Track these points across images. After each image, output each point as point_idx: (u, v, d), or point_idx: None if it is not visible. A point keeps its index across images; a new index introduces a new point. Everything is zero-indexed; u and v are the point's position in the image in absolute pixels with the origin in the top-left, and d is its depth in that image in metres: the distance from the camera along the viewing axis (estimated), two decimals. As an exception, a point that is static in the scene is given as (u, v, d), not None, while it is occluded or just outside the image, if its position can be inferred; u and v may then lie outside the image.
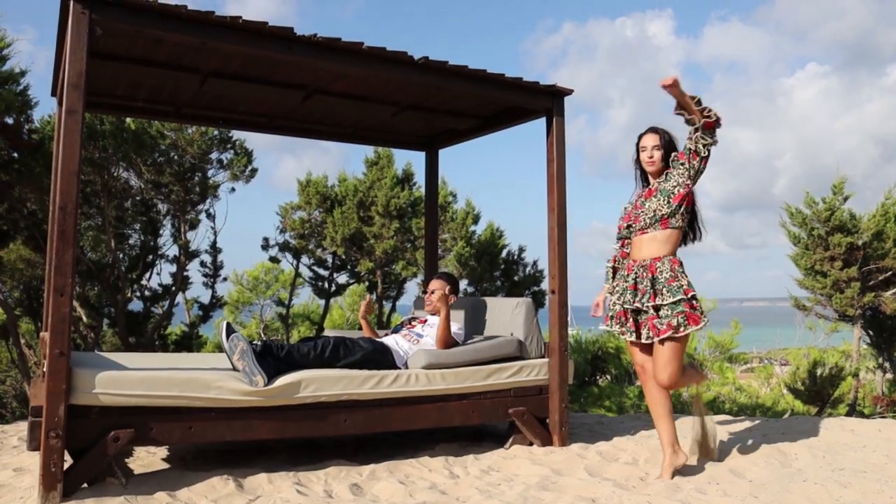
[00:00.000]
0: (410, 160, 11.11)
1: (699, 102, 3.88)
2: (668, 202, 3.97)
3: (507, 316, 5.29)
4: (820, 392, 10.19)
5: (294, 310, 12.89)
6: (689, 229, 4.15)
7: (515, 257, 11.33)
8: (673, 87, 3.81)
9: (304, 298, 13.87)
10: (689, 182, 3.96)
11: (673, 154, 4.05)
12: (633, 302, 3.99)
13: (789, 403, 10.48)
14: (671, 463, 4.03)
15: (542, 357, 5.13)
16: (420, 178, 11.28)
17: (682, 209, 3.99)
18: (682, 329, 3.83)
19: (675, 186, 3.98)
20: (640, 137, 4.15)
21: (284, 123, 5.98)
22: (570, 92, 4.98)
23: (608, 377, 11.38)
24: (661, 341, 3.88)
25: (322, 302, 11.72)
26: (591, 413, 7.52)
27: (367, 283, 11.16)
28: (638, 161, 4.18)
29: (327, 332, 5.38)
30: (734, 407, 10.18)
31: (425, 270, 6.75)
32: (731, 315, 12.67)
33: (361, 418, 4.24)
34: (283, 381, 4.03)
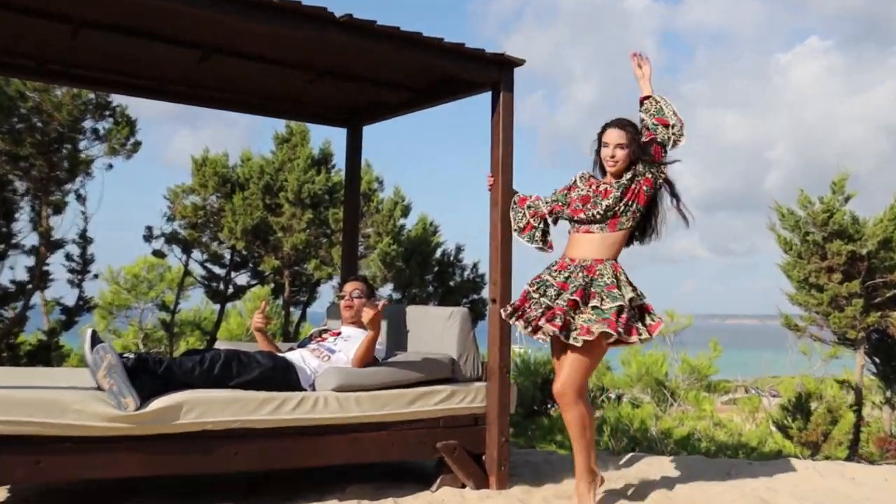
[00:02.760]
0: (329, 138, 11.14)
1: (660, 110, 4.37)
2: (622, 199, 4.29)
3: (437, 329, 5.32)
4: (814, 430, 10.31)
5: (182, 316, 12.74)
6: (639, 228, 4.48)
7: (451, 258, 11.40)
8: (641, 66, 4.13)
9: (195, 302, 13.72)
10: (649, 180, 4.33)
11: (640, 155, 4.33)
12: (555, 299, 4.28)
13: (778, 443, 10.66)
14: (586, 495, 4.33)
15: (480, 380, 5.18)
16: (340, 159, 11.30)
17: (634, 207, 4.32)
18: (594, 334, 4.10)
19: (631, 181, 4.28)
20: (603, 129, 4.44)
21: (177, 88, 5.94)
22: (521, 62, 5.06)
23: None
24: (574, 347, 4.19)
25: (217, 307, 11.61)
26: (538, 449, 7.58)
27: (272, 286, 11.11)
28: (598, 154, 4.45)
29: (220, 345, 5.36)
30: (711, 446, 10.35)
31: (342, 271, 6.76)
32: (710, 334, 12.86)
33: (256, 452, 4.24)
34: (159, 403, 4.01)
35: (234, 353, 4.49)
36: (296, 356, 4.83)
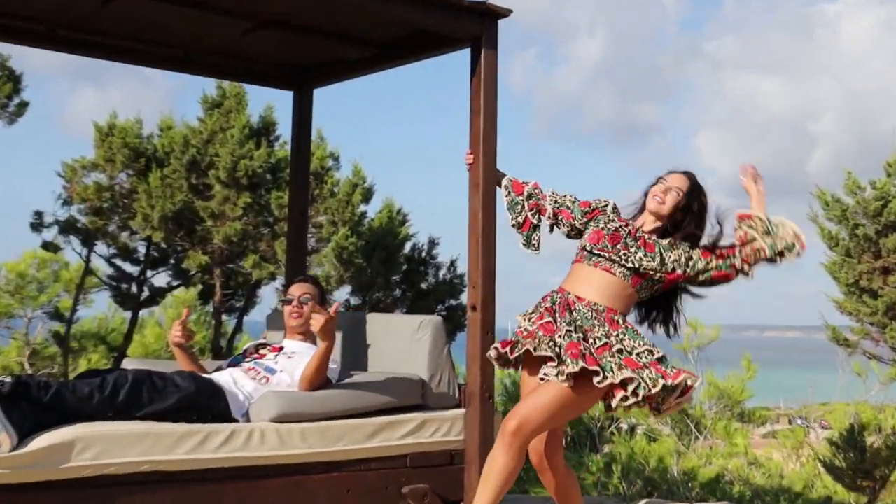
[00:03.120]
0: (272, 102, 11.12)
1: (768, 231, 4.32)
2: (660, 269, 4.31)
3: (405, 342, 5.33)
4: (870, 472, 10.30)
5: (81, 327, 12.66)
6: (650, 311, 4.55)
7: (424, 255, 11.44)
8: (756, 182, 4.39)
9: (100, 309, 13.62)
10: (683, 271, 4.35)
11: (691, 228, 4.39)
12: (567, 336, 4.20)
13: (827, 487, 10.70)
14: None
15: (457, 407, 5.20)
16: (285, 130, 11.24)
17: (656, 285, 4.35)
18: (569, 368, 4.00)
19: (674, 262, 4.33)
20: (667, 173, 4.50)
21: (76, 36, 5.89)
22: (507, 13, 5.07)
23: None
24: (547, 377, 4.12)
25: (127, 315, 11.55)
26: (533, 495, 7.60)
27: (198, 288, 11.07)
28: (647, 191, 4.50)
29: (129, 364, 5.31)
30: (746, 490, 10.36)
31: (288, 270, 6.78)
32: (743, 350, 12.83)
33: (171, 501, 4.21)
34: (43, 441, 3.95)
35: (145, 375, 4.45)
36: (225, 378, 4.80)
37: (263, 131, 10.91)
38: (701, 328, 12.20)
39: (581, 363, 3.99)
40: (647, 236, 4.38)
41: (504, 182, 4.93)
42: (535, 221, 4.78)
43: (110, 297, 11.23)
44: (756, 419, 12.60)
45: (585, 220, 4.60)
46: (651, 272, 4.29)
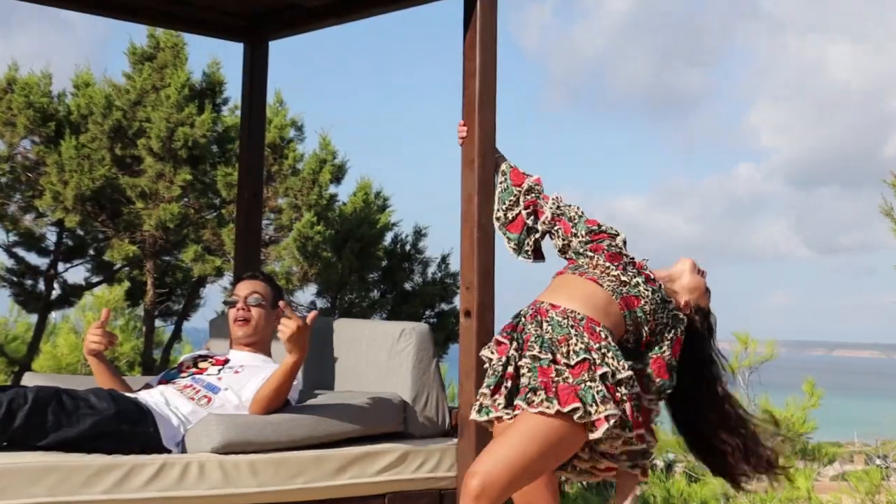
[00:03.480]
0: (217, 56, 11.16)
1: None
2: (664, 306, 4.41)
3: (383, 355, 5.37)
4: None
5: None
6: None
7: (408, 248, 11.49)
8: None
9: (-3, 311, 13.61)
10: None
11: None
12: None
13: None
14: None
15: (447, 435, 5.26)
16: (234, 90, 11.25)
17: (642, 326, 4.36)
18: (540, 404, 3.94)
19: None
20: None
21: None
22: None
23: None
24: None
25: (33, 319, 11.54)
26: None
27: (125, 286, 11.07)
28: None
29: (32, 380, 5.31)
30: (809, 542, 10.41)
31: (238, 264, 6.82)
32: (805, 372, 12.88)
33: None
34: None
35: (51, 393, 4.42)
36: (155, 397, 4.80)
37: (207, 92, 10.92)
38: (752, 344, 12.19)
39: (555, 403, 3.89)
40: (653, 276, 4.47)
41: (503, 167, 5.01)
42: (528, 223, 4.85)
43: (10, 296, 11.18)
44: (822, 457, 12.60)
45: (588, 239, 4.59)
46: (644, 301, 4.31)
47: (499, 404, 4.07)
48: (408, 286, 11.33)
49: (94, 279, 11.28)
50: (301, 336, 4.69)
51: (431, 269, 11.50)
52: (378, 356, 5.38)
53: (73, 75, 10.95)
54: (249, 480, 4.56)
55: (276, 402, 4.82)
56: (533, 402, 3.91)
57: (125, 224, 10.49)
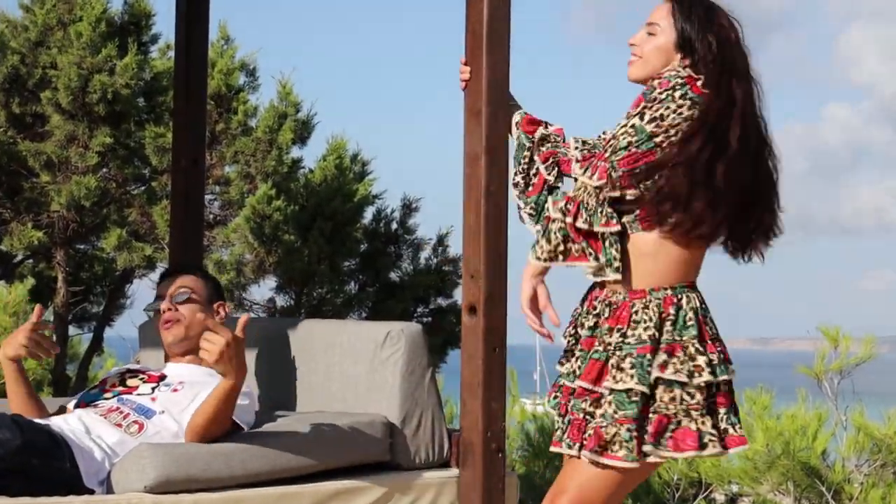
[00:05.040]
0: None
1: None
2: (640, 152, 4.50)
3: (362, 365, 5.41)
4: None
5: None
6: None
7: (396, 226, 11.62)
8: None
9: None
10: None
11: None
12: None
13: None
14: None
15: (445, 466, 5.32)
16: (166, 26, 11.37)
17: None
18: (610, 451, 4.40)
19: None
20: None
21: None
22: None
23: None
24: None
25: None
26: None
27: (30, 283, 10.99)
28: None
29: None
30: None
31: (174, 252, 6.99)
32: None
33: None
34: None
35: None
36: (72, 424, 4.81)
37: (130, 27, 10.95)
38: (844, 341, 12.24)
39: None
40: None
41: (515, 118, 5.08)
42: (551, 180, 4.95)
43: None
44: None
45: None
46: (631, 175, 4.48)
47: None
48: (394, 276, 11.46)
49: (-12, 274, 11.35)
50: (234, 352, 4.65)
51: (425, 254, 11.65)
52: (357, 367, 5.40)
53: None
54: (191, 530, 4.59)
55: (216, 431, 4.83)
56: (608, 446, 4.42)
57: (27, 203, 10.60)
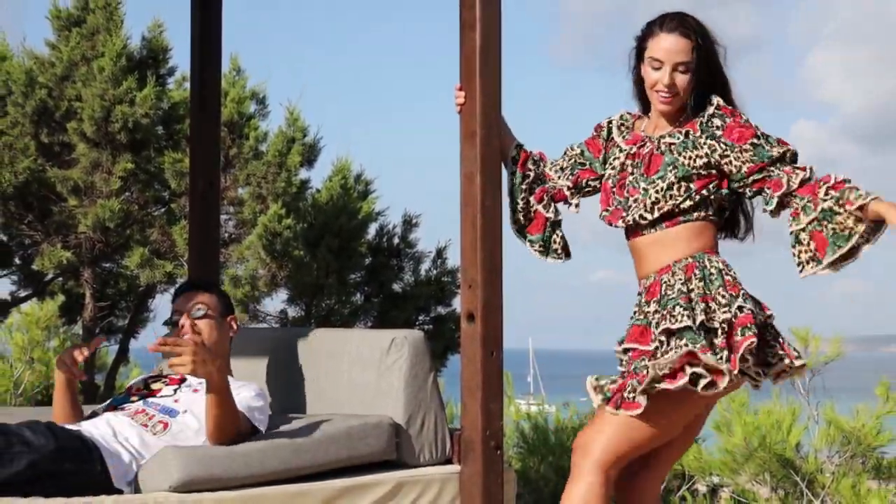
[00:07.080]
0: (159, 17, 11.07)
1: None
2: (684, 184, 4.62)
3: (370, 370, 5.42)
4: None
5: None
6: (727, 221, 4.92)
7: (398, 241, 11.55)
8: None
9: None
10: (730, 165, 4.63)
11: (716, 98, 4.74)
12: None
13: None
14: None
15: (446, 463, 5.31)
16: (181, 58, 11.28)
17: (710, 195, 4.67)
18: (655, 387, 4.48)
19: (700, 158, 4.62)
20: (649, 30, 4.76)
21: None
22: None
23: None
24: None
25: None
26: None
27: (60, 300, 11.01)
28: (638, 75, 4.86)
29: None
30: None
31: (193, 269, 6.86)
32: (878, 373, 12.71)
33: None
34: None
35: (-23, 429, 4.43)
36: (101, 429, 4.78)
37: (149, 61, 10.88)
38: (814, 342, 12.12)
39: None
40: (653, 147, 4.69)
41: (512, 151, 5.17)
42: (549, 216, 5.07)
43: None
44: (897, 471, 12.50)
45: (602, 169, 4.93)
46: (674, 199, 4.58)
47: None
48: (397, 287, 11.37)
49: (22, 293, 11.28)
50: (204, 355, 4.60)
51: (425, 266, 11.58)
52: (364, 372, 5.43)
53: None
54: (215, 525, 4.57)
55: (228, 434, 4.78)
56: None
57: (56, 226, 10.50)
